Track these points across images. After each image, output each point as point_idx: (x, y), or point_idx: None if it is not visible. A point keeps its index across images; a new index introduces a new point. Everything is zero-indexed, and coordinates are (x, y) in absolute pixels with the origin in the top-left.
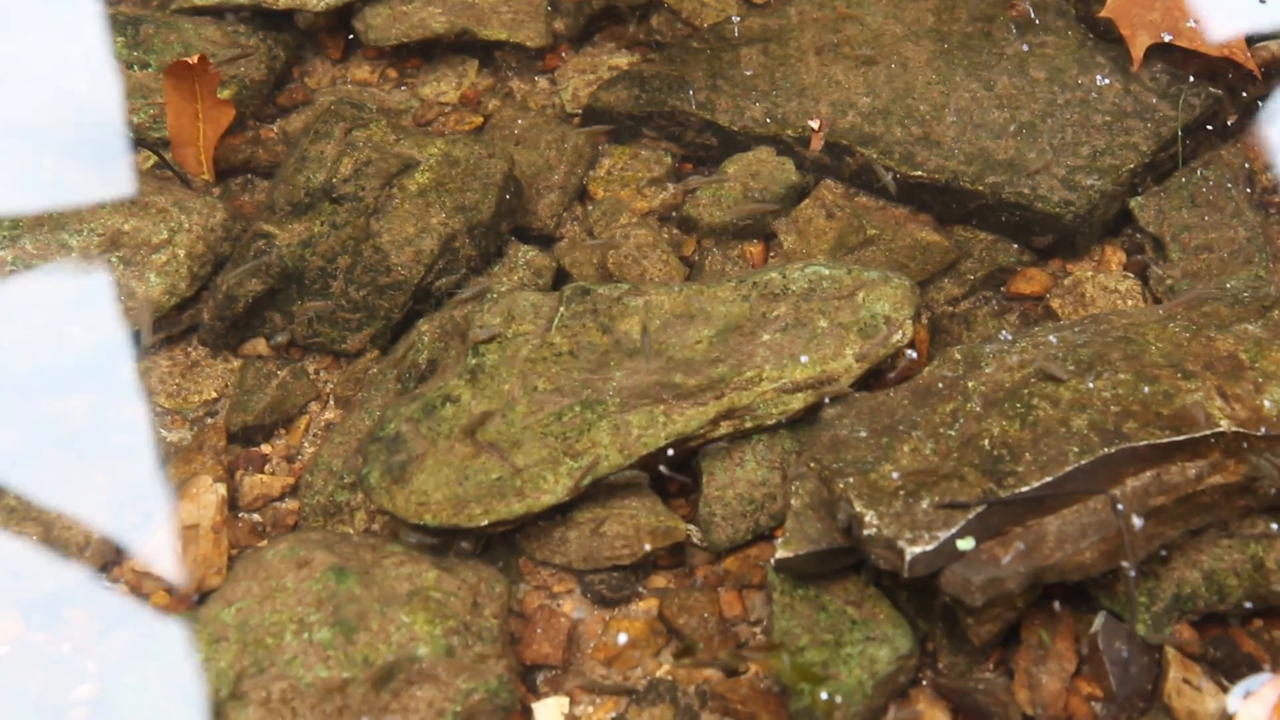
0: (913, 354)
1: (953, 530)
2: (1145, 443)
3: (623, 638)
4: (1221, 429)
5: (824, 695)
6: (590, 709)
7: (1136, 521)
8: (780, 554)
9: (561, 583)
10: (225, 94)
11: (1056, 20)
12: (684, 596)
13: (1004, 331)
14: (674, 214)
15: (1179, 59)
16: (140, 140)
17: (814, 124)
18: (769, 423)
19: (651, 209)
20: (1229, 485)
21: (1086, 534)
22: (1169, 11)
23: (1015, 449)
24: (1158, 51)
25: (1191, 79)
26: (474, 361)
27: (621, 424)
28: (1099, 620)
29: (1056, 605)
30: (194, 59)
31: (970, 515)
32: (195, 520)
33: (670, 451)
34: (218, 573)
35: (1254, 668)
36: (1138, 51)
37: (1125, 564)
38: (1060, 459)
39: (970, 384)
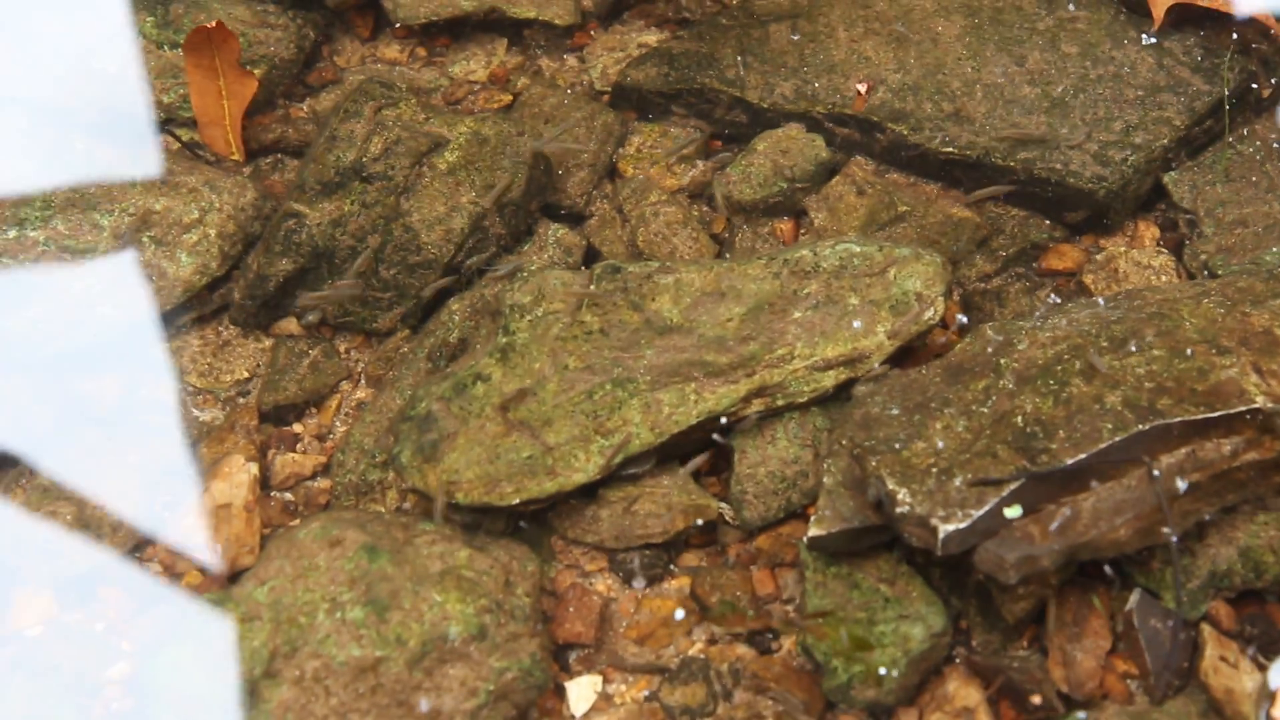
0: (963, 318)
1: (985, 508)
2: (1180, 419)
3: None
4: (1257, 405)
5: (881, 669)
6: (623, 687)
7: (1180, 485)
8: (813, 532)
9: (594, 561)
10: (256, 72)
11: None
12: (716, 575)
13: (1058, 297)
14: (705, 192)
15: (1212, 33)
16: (167, 123)
17: (861, 87)
18: (800, 400)
19: (681, 186)
20: (1265, 461)
21: (1121, 511)
22: None
23: (1049, 426)
24: (1190, 24)
25: (1225, 53)
26: (504, 340)
27: (653, 402)
28: (1134, 597)
29: (1108, 575)
30: (213, 24)
31: (1004, 492)
32: (228, 500)
33: (724, 420)
34: (250, 552)
35: None
36: (1159, 11)
37: (1166, 529)
38: (1094, 436)
39: (1003, 361)
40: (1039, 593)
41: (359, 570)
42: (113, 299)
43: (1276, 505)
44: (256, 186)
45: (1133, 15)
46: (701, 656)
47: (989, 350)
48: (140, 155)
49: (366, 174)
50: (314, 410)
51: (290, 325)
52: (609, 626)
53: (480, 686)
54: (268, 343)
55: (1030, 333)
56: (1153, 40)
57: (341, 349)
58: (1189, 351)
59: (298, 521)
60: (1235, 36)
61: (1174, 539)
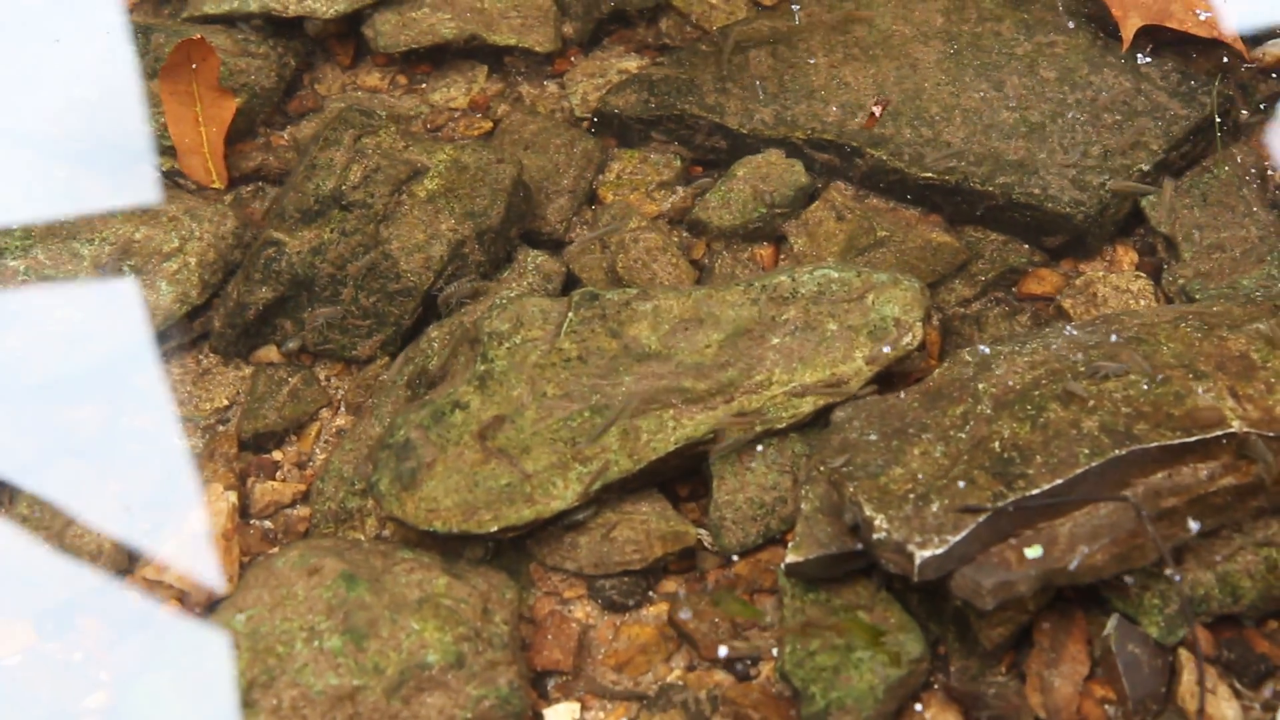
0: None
1: (962, 534)
2: (1156, 444)
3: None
4: (1233, 429)
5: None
6: (601, 714)
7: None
8: (791, 558)
9: (572, 588)
10: (237, 101)
11: (1066, 19)
12: (695, 601)
13: (1037, 322)
14: (685, 217)
15: (1189, 58)
16: (147, 152)
17: (876, 110)
18: (779, 426)
19: (661, 212)
20: (1241, 486)
21: (1098, 536)
22: None
23: (1026, 451)
24: (1168, 49)
25: (1206, 77)
26: (483, 367)
27: (631, 429)
28: (1112, 623)
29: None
30: (195, 36)
31: (980, 519)
32: (207, 528)
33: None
34: (229, 580)
35: (1269, 669)
36: (1128, 33)
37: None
38: (1071, 461)
39: (981, 386)
40: (1016, 618)
41: (337, 599)
42: (93, 328)
43: (1253, 529)
44: (237, 214)
45: (1110, 40)
46: (680, 683)
47: (967, 375)
48: (121, 184)
49: (346, 202)
50: (294, 438)
51: (270, 353)
52: (587, 653)
53: (458, 715)
54: (247, 370)
55: (1008, 357)
56: (1140, 63)
57: (321, 376)
58: (1166, 376)
59: (276, 550)
60: (1224, 60)
61: (1176, 577)
